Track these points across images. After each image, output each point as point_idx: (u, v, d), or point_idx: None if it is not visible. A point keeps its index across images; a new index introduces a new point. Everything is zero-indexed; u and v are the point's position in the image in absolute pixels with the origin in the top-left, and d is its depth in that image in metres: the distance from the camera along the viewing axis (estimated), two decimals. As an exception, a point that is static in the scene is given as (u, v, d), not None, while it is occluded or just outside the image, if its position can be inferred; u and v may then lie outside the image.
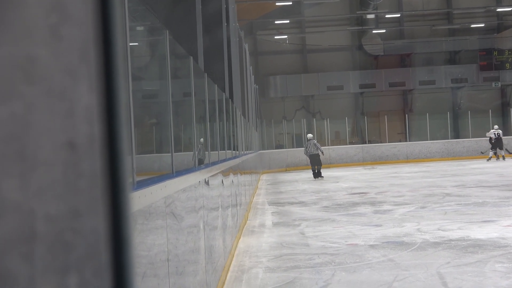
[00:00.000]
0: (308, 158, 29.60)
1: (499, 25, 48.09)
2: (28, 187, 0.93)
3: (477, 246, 9.51)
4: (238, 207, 12.12)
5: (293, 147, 40.43)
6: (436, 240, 10.19)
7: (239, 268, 8.85)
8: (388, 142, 42.04)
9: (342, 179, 26.83)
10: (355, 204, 16.48)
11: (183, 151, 6.10)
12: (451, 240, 10.17)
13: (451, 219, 12.74)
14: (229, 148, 11.41)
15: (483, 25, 47.67)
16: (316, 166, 28.68)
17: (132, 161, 3.39)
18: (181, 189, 4.84)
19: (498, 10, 47.58)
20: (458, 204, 15.41)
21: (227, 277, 8.22)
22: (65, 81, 0.95)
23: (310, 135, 29.62)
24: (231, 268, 8.78)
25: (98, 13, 0.98)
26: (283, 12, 45.27)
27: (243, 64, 22.13)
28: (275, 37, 47.02)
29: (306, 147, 29.09)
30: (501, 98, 48.06)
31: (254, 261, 9.33)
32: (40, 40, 0.93)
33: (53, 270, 0.94)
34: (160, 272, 3.85)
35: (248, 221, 14.16)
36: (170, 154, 4.85)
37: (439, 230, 11.28)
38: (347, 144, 42.57)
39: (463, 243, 9.85)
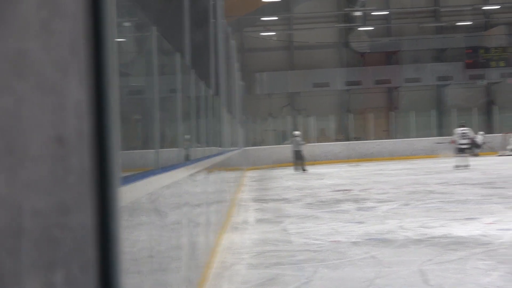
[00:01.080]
0: (293, 153, 31.71)
1: (486, 23, 48.30)
2: (16, 181, 0.93)
3: (459, 243, 9.56)
4: (222, 204, 12.12)
5: (279, 144, 40.45)
6: (418, 237, 10.24)
7: (222, 265, 8.86)
8: (373, 139, 42.13)
9: (326, 176, 26.88)
10: (339, 201, 16.51)
11: (169, 147, 6.10)
12: (433, 237, 10.22)
13: (433, 216, 12.80)
14: (214, 145, 11.40)
15: (470, 23, 47.85)
16: (299, 161, 31.02)
17: (119, 157, 3.38)
18: (165, 185, 4.84)
19: (485, 8, 47.78)
20: (441, 201, 15.48)
21: (210, 274, 8.22)
22: (55, 75, 0.95)
23: (296, 132, 32.00)
24: (214, 265, 8.78)
25: (89, 8, 0.98)
26: (271, 9, 45.26)
27: (230, 61, 22.10)
28: (263, 33, 47.01)
29: (292, 143, 31.60)
30: (486, 96, 48.27)
31: (237, 258, 9.34)
32: (31, 34, 0.93)
33: (40, 266, 0.94)
34: (143, 269, 3.85)
35: (231, 218, 14.16)
36: (155, 150, 4.85)
37: (422, 227, 11.33)
38: (332, 141, 42.64)
39: (445, 240, 9.90)
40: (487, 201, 14.96)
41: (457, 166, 27.72)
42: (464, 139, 27.99)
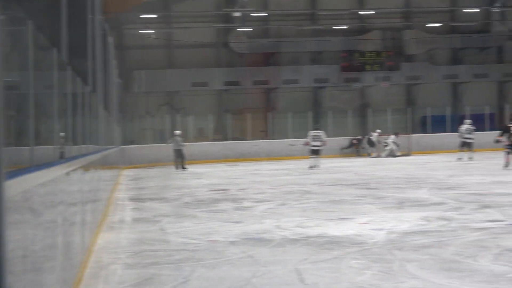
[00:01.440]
0: (173, 152, 32.18)
1: (361, 27, 49.44)
2: None
3: (334, 242, 9.78)
4: (98, 203, 11.96)
5: (156, 143, 40.16)
6: (294, 237, 10.41)
7: (98, 265, 8.76)
8: (251, 140, 42.46)
9: (204, 176, 26.92)
10: (216, 201, 16.58)
11: (44, 145, 5.97)
12: (309, 236, 10.41)
13: (309, 216, 13.04)
14: (91, 143, 11.23)
15: (346, 27, 48.87)
16: (180, 160, 31.72)
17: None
18: (40, 184, 4.74)
19: (361, 13, 48.93)
20: (317, 201, 15.78)
21: (85, 274, 8.11)
22: None
23: (177, 131, 32.59)
24: (89, 265, 8.67)
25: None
26: (150, 6, 44.90)
27: (107, 58, 21.80)
28: (142, 31, 46.57)
29: (172, 142, 32.17)
30: (361, 99, 49.48)
31: (113, 258, 9.25)
32: None
33: None
34: (16, 269, 3.77)
35: (108, 217, 14.00)
36: (29, 147, 4.74)
37: (298, 227, 11.52)
38: (210, 141, 42.72)
39: (321, 239, 10.10)
40: (361, 202, 15.35)
41: (310, 167, 28.69)
42: (316, 141, 29.16)
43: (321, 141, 29.27)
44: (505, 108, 46.16)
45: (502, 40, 49.71)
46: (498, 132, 26.48)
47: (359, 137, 41.45)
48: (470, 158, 30.89)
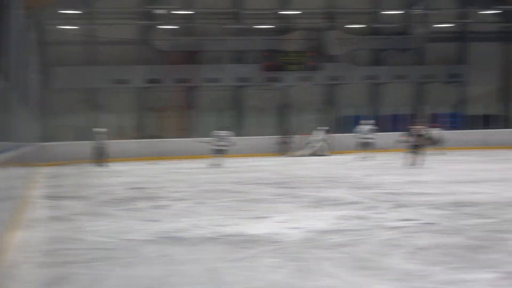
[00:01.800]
0: (94, 149, 32.58)
1: (285, 27, 49.68)
2: None
3: (252, 241, 9.84)
4: (13, 201, 11.76)
5: (76, 140, 39.60)
6: (212, 236, 10.43)
7: (11, 264, 8.61)
8: (172, 138, 42.29)
9: (123, 174, 26.70)
10: (134, 199, 16.48)
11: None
12: (227, 235, 10.46)
13: (228, 215, 13.09)
14: (7, 140, 11.03)
15: (269, 26, 49.04)
16: (102, 158, 32.16)
17: None
18: None
19: (284, 13, 49.20)
20: (236, 200, 15.84)
21: (-2, 273, 7.97)
22: None
23: (99, 129, 33.32)
24: (2, 264, 8.51)
25: None
26: (73, 2, 44.29)
27: (27, 53, 21.41)
28: (64, 27, 45.84)
29: (95, 139, 32.60)
30: (283, 99, 49.76)
31: (27, 256, 9.11)
32: None
33: None
34: None
35: (22, 215, 13.76)
36: None
37: (216, 225, 11.55)
38: (130, 139, 42.36)
39: (238, 238, 10.16)
40: (279, 200, 15.47)
41: (211, 165, 29.44)
42: (221, 141, 30.26)
43: (227, 141, 30.33)
44: (423, 109, 47.13)
45: (422, 42, 50.67)
46: (403, 133, 27.77)
47: (288, 135, 41.29)
48: (365, 158, 32.02)
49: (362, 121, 34.31)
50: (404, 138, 26.70)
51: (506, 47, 51.96)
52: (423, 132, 27.17)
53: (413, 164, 25.86)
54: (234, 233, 10.70)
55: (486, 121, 45.51)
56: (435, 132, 35.13)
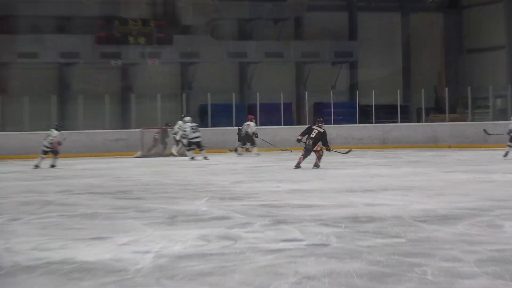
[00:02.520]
0: None
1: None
2: None
3: (85, 270, 9.61)
4: None
5: None
6: (30, 263, 10.14)
7: None
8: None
9: None
10: None
11: None
12: (50, 263, 10.17)
13: (52, 235, 12.80)
14: None
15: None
16: None
17: None
18: None
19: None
20: (62, 215, 15.53)
21: None
22: None
23: None
24: None
25: None
26: None
27: None
28: None
29: None
30: (122, 81, 49.38)
31: None
32: None
33: None
34: None
35: None
36: None
37: (35, 249, 11.27)
38: None
39: (67, 267, 9.89)
40: (121, 216, 15.27)
41: (36, 166, 30.23)
42: (46, 139, 31.02)
43: (52, 139, 31.01)
44: (304, 95, 47.32)
45: (300, 10, 51.31)
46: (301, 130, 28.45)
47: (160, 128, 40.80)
48: (206, 158, 33.78)
49: (185, 118, 35.58)
50: (301, 138, 27.36)
51: (406, 19, 53.31)
52: None
53: (298, 166, 26.69)
54: (60, 259, 10.42)
55: (384, 113, 46.68)
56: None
